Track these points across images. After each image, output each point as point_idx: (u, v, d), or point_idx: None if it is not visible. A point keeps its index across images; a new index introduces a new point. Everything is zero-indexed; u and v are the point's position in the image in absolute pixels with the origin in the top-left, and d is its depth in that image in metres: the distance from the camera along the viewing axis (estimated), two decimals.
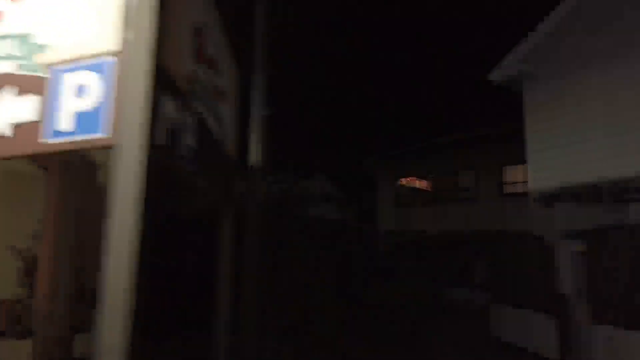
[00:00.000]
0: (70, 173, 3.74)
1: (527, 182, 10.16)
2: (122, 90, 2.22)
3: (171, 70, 2.46)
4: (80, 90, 2.33)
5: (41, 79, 2.39)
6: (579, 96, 9.00)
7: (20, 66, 2.45)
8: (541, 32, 9.34)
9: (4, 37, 2.52)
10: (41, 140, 2.34)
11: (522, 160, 10.20)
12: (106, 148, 2.21)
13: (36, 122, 2.35)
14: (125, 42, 2.25)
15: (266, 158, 5.48)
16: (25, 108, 2.39)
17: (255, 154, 5.37)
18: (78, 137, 2.28)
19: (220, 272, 4.33)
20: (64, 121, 2.32)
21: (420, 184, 20.64)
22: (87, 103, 2.30)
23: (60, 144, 2.31)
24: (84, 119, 2.29)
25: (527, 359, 8.16)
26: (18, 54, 2.47)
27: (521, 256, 9.36)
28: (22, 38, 2.48)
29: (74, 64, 2.37)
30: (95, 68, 2.32)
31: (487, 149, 17.49)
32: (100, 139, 2.24)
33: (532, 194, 9.50)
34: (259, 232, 5.17)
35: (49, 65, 2.40)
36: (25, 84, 2.42)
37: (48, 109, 2.36)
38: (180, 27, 2.69)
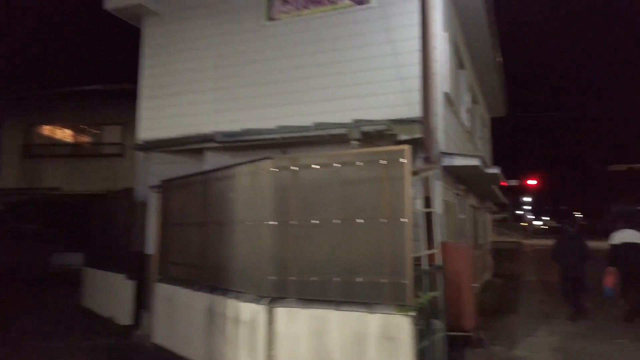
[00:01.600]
0: None
1: None
2: None
3: None
4: None
5: None
6: (195, 44, 8.41)
7: None
8: None
9: None
10: None
11: None
12: None
13: None
14: None
15: None
16: None
17: None
18: None
19: None
20: None
21: (61, 134, 17.59)
22: None
23: None
24: None
25: (99, 327, 7.06)
26: None
27: (117, 214, 8.28)
28: None
29: None
30: None
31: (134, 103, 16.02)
32: None
33: (136, 145, 8.51)
34: None
35: None
36: None
37: None
38: None
